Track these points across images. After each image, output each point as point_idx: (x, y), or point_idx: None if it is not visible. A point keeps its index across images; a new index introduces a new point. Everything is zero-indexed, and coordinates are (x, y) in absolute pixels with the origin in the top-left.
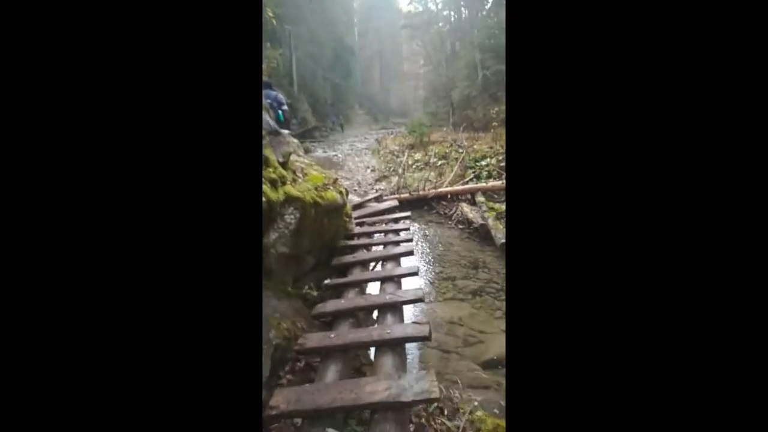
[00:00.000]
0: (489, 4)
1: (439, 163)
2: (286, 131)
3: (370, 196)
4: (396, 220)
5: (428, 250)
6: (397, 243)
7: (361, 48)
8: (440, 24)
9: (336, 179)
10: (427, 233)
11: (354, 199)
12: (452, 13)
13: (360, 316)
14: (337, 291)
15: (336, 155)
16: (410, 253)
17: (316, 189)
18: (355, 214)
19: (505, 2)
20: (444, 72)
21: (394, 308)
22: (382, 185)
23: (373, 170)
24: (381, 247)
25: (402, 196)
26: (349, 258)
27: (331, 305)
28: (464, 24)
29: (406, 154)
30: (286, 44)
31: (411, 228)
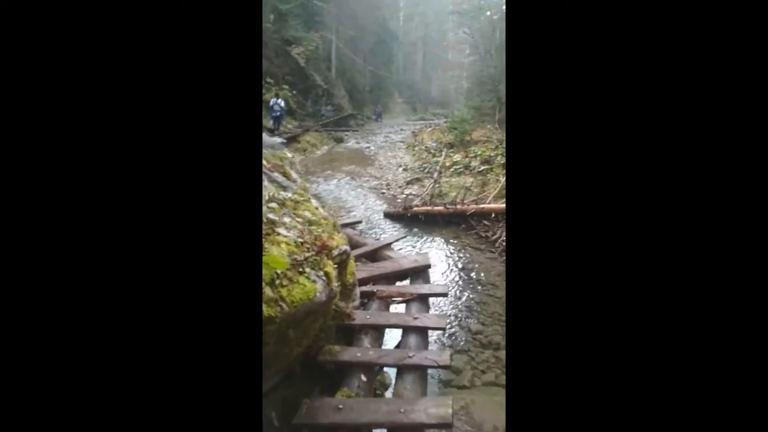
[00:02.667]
0: None
1: (482, 168)
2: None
3: (387, 240)
4: (422, 298)
5: (461, 290)
6: (423, 332)
7: (404, 33)
8: (490, 12)
9: (324, 247)
10: (461, 262)
11: (364, 241)
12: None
13: None
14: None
15: (369, 147)
16: (441, 328)
17: (276, 279)
18: (360, 273)
19: None
20: (492, 63)
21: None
22: (414, 189)
23: (405, 169)
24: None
25: (435, 208)
26: (344, 356)
27: None
28: None
29: (443, 153)
30: (327, 27)
31: (441, 253)
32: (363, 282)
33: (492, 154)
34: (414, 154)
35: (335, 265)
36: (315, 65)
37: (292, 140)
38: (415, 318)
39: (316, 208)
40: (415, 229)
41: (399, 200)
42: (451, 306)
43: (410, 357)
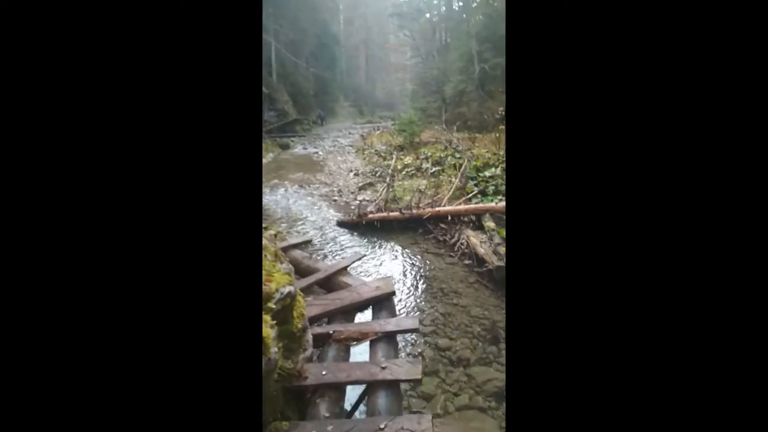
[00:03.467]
0: None
1: (434, 169)
2: None
3: (342, 264)
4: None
5: (423, 302)
6: (395, 386)
7: (346, 36)
8: (429, 14)
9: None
10: (422, 270)
11: (316, 266)
12: (443, 2)
13: None
14: None
15: (317, 153)
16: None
17: None
18: (313, 308)
19: None
20: (435, 64)
21: None
22: (367, 194)
23: (357, 174)
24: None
25: (391, 214)
26: None
27: None
28: (456, 14)
29: (394, 156)
30: (265, 29)
31: (398, 259)
32: (316, 319)
33: (442, 155)
34: (364, 158)
35: (272, 321)
36: None
37: None
38: (383, 368)
39: None
40: (373, 239)
41: (352, 207)
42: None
43: (381, 429)
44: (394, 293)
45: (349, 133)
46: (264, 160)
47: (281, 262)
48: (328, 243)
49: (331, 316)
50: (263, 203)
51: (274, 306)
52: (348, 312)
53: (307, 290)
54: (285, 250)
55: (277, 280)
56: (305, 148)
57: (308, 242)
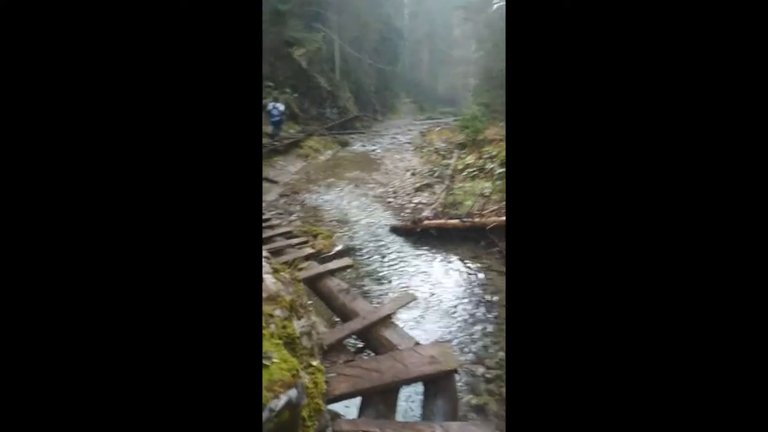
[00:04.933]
0: None
1: (499, 171)
2: None
3: (385, 309)
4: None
5: (485, 336)
6: None
7: (410, 31)
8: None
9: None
10: (485, 293)
11: (353, 306)
12: None
13: None
14: None
15: (375, 150)
16: None
17: None
18: (340, 382)
19: None
20: (500, 57)
21: None
22: (424, 196)
23: (414, 173)
24: None
25: (450, 222)
26: None
27: None
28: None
29: (455, 155)
30: (329, 26)
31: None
32: (341, 398)
33: None
34: (423, 157)
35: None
36: (318, 67)
37: (293, 146)
38: None
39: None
40: (429, 249)
41: (407, 210)
42: (472, 356)
43: None
44: (456, 371)
45: (409, 130)
46: (322, 157)
47: (297, 316)
48: (375, 255)
49: (366, 396)
50: (318, 203)
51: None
52: (388, 392)
53: (338, 347)
54: (318, 278)
55: (271, 375)
56: (363, 146)
57: (348, 267)
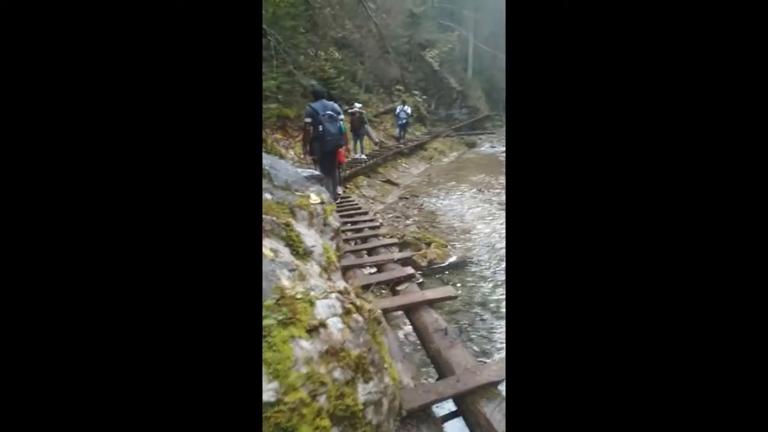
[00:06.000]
0: None
1: None
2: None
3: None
4: None
5: None
6: None
7: None
8: None
9: None
10: None
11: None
12: None
13: None
14: None
15: (504, 152)
16: None
17: None
18: None
19: None
20: None
21: None
22: None
23: None
24: None
25: None
26: None
27: None
28: None
29: None
30: (464, 25)
31: None
32: None
33: None
34: None
35: None
36: (450, 67)
37: (417, 148)
38: None
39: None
40: None
41: None
42: None
43: None
44: None
45: None
46: (446, 159)
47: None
48: (494, 271)
49: None
50: (436, 208)
51: None
52: None
53: (418, 414)
54: (415, 308)
55: None
56: (492, 147)
57: (451, 299)
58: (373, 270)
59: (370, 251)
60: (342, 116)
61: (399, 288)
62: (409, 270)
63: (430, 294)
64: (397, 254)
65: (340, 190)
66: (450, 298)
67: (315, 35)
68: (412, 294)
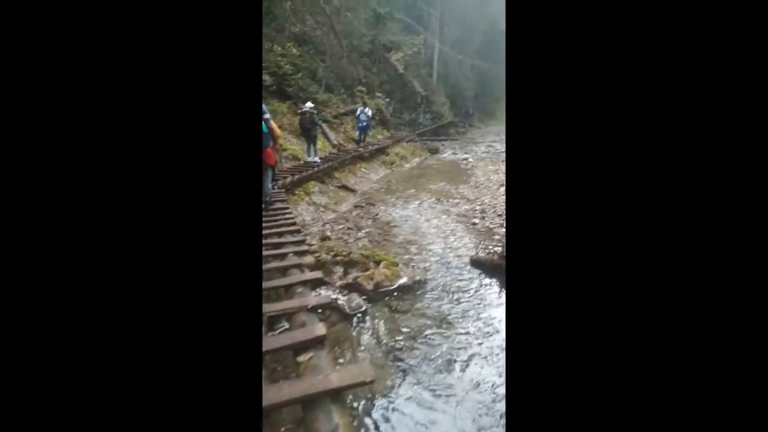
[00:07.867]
0: None
1: None
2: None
3: None
4: None
5: None
6: None
7: None
8: None
9: None
10: None
11: None
12: None
13: None
14: None
15: (466, 159)
16: None
17: None
18: None
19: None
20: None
21: None
22: None
23: None
24: None
25: None
26: None
27: None
28: None
29: None
30: (431, 29)
31: None
32: None
33: None
34: None
35: None
36: (415, 71)
37: (378, 152)
38: None
39: None
40: None
41: (496, 237)
42: None
43: None
44: None
45: None
46: (407, 165)
47: None
48: (445, 294)
49: None
50: (392, 218)
51: None
52: None
53: None
54: (313, 400)
55: None
56: (455, 153)
57: (368, 383)
58: (281, 326)
59: (288, 288)
60: (267, 115)
61: (300, 358)
62: (320, 331)
63: (337, 379)
64: (312, 299)
65: (268, 197)
66: (364, 383)
67: (271, 28)
68: (310, 379)
